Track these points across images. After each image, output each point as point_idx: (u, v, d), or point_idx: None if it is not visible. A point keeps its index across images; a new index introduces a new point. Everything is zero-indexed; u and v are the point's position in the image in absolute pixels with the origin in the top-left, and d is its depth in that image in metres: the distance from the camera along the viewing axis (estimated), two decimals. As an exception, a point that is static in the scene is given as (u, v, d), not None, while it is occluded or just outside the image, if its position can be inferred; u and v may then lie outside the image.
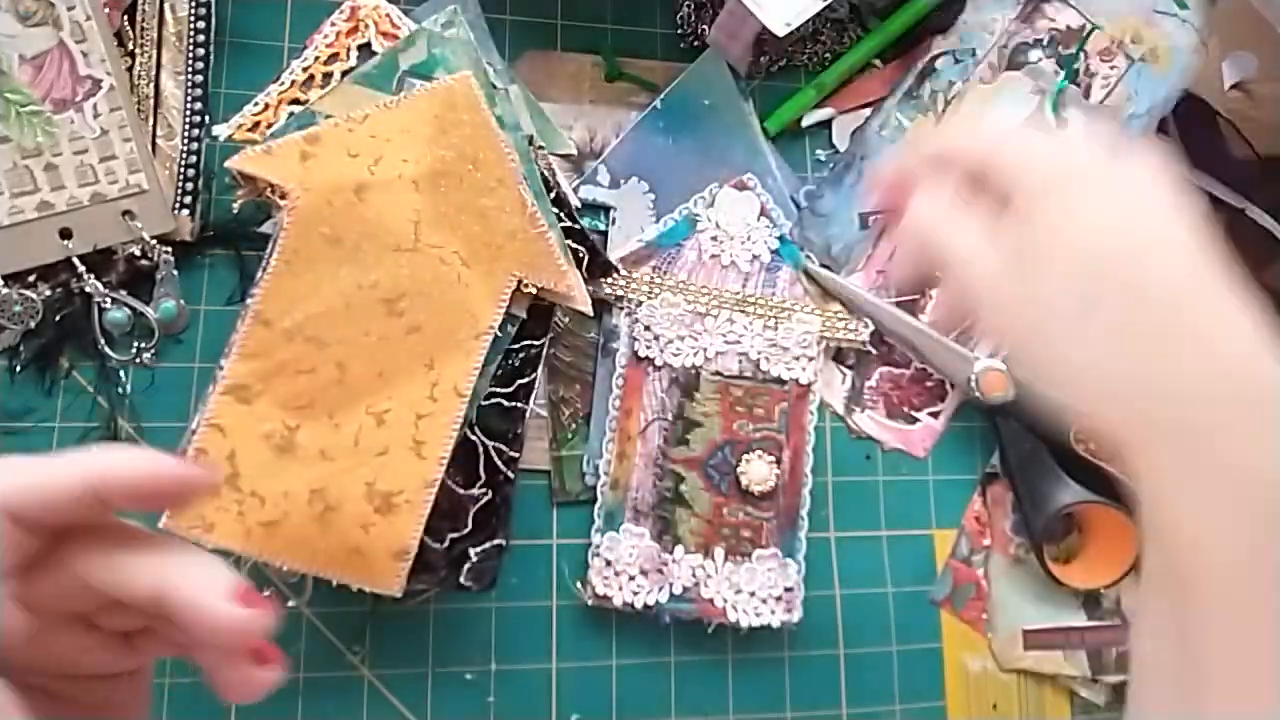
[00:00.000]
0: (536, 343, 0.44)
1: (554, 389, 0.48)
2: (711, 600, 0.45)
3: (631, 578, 0.45)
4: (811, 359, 0.48)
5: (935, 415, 0.52)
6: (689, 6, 0.54)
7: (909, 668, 0.49)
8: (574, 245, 0.44)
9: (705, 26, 0.53)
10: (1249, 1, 0.56)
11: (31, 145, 0.44)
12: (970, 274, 0.30)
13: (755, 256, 0.49)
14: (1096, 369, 0.27)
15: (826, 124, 0.55)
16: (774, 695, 0.48)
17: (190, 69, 0.47)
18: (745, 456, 0.46)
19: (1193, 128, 0.60)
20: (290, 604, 0.40)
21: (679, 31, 0.54)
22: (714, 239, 0.49)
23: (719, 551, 0.45)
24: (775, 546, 0.46)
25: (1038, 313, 0.28)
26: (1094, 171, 0.30)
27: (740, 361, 0.47)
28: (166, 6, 0.47)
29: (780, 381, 0.47)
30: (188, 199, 0.46)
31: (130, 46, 0.46)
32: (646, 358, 0.47)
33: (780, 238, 0.50)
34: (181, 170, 0.46)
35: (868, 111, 0.55)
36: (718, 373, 0.47)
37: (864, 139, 0.54)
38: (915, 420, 0.52)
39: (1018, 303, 0.29)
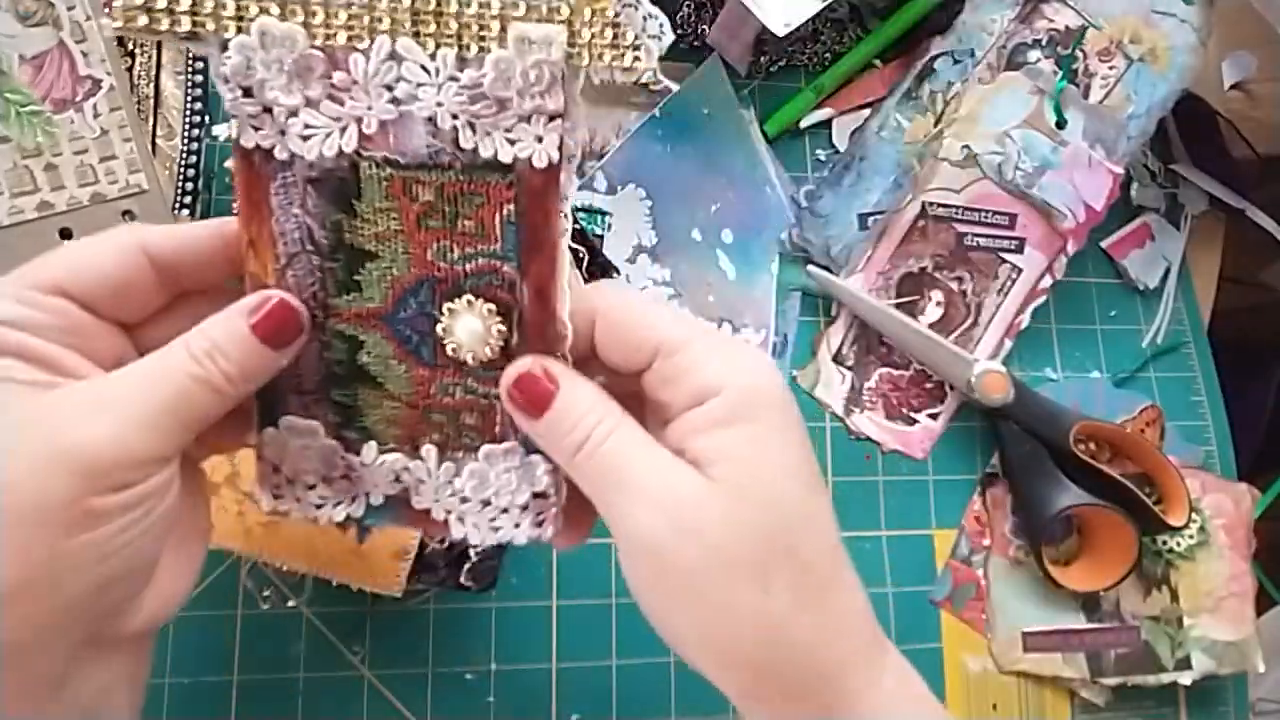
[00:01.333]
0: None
1: (553, 389, 0.48)
2: (428, 512, 0.30)
3: (310, 486, 0.30)
4: (554, 115, 0.26)
5: (934, 417, 0.52)
6: (689, 6, 0.54)
7: (908, 668, 0.49)
8: (574, 245, 0.44)
9: (705, 26, 0.53)
10: (1249, 1, 0.56)
11: (31, 145, 0.44)
12: (655, 495, 0.25)
13: None
14: (760, 626, 0.26)
15: (826, 124, 0.55)
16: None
17: (190, 69, 0.47)
18: (449, 306, 0.27)
19: (1193, 128, 0.60)
20: (290, 604, 0.40)
21: (679, 32, 0.54)
22: None
23: (429, 449, 0.29)
24: (514, 439, 0.30)
25: (717, 557, 0.25)
26: (783, 404, 0.27)
27: (426, 135, 0.26)
28: (166, 7, 0.47)
29: (499, 168, 0.26)
30: (188, 199, 0.46)
31: (130, 46, 0.46)
32: (261, 150, 0.26)
33: None
34: (181, 170, 0.46)
35: (867, 112, 0.55)
36: (389, 159, 0.26)
37: (863, 140, 0.54)
38: (914, 421, 0.52)
39: (705, 543, 0.25)
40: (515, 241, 0.27)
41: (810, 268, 0.52)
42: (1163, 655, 0.50)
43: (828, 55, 0.55)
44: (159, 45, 0.47)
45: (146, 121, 0.46)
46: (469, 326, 0.27)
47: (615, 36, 0.25)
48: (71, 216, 0.44)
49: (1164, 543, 0.51)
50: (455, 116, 0.25)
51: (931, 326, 0.51)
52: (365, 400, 0.29)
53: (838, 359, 0.52)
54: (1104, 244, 0.57)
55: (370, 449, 0.29)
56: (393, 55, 0.25)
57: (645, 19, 0.25)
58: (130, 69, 0.46)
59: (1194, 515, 0.50)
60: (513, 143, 0.26)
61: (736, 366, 0.26)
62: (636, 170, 0.51)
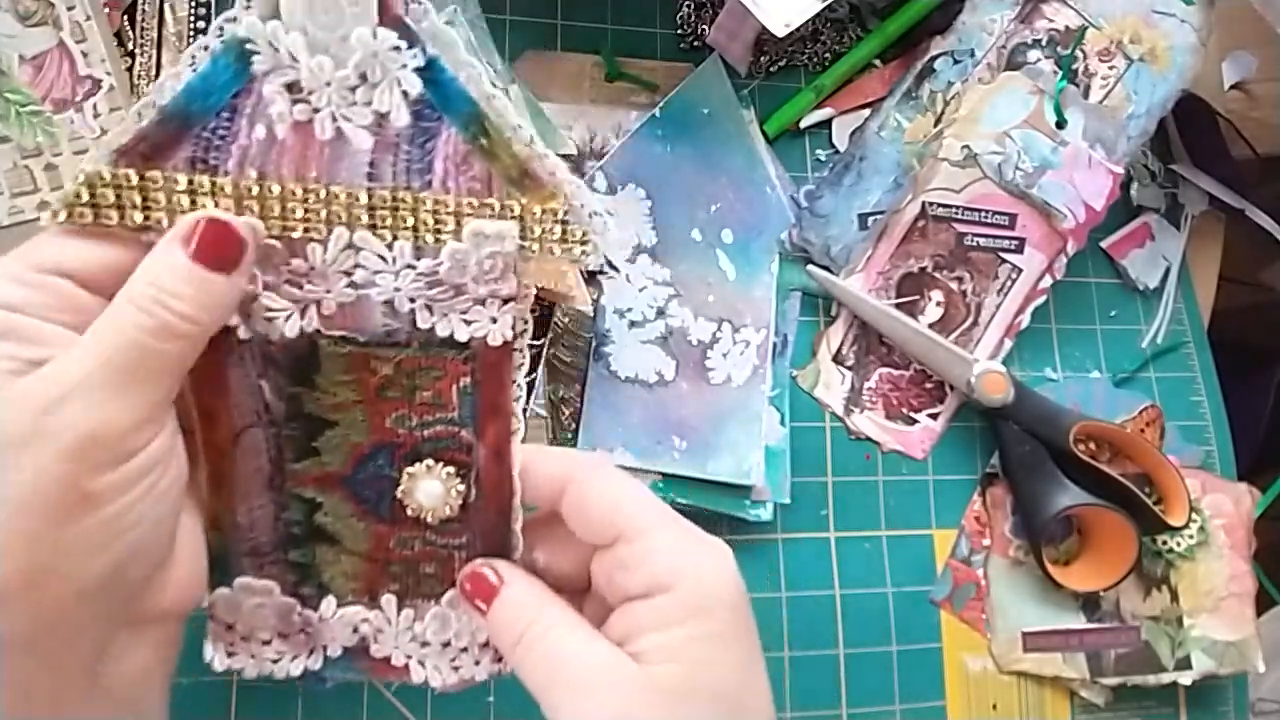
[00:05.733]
0: (536, 343, 0.44)
1: (553, 389, 0.48)
2: (388, 659, 0.31)
3: (265, 642, 0.31)
4: (508, 299, 0.28)
5: (934, 417, 0.52)
6: (689, 6, 0.54)
7: (909, 668, 0.49)
8: (573, 246, 0.44)
9: (705, 26, 0.53)
10: (1249, 1, 0.56)
11: (31, 145, 0.44)
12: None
13: (382, 116, 0.26)
14: None
15: (826, 124, 0.55)
16: (774, 695, 0.48)
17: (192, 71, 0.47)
18: (409, 470, 0.29)
19: (1193, 128, 0.60)
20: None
21: (679, 31, 0.54)
22: (294, 91, 0.25)
23: (389, 599, 0.30)
24: None
25: None
26: (735, 604, 0.27)
27: (384, 316, 0.27)
28: (166, 6, 0.47)
29: (455, 345, 0.28)
30: (188, 199, 0.46)
31: (130, 46, 0.46)
32: (225, 328, 0.27)
33: (428, 63, 0.25)
34: (181, 170, 0.46)
35: (867, 112, 0.55)
36: (346, 337, 0.27)
37: (863, 140, 0.54)
38: (914, 421, 0.52)
39: None
40: (472, 408, 0.29)
41: (810, 268, 0.52)
42: (1163, 655, 0.50)
43: (828, 55, 0.55)
44: (159, 47, 0.47)
45: (146, 121, 0.46)
46: (429, 489, 0.29)
47: (564, 232, 0.27)
48: (71, 216, 0.44)
49: (1164, 543, 0.51)
50: (413, 300, 0.27)
51: (931, 326, 0.51)
52: (323, 558, 0.30)
53: (838, 359, 0.52)
54: (1104, 244, 0.57)
55: (329, 603, 0.30)
56: (350, 245, 0.26)
57: (591, 215, 0.27)
58: (130, 69, 0.46)
59: (1194, 515, 0.50)
60: (468, 323, 0.27)
61: (693, 562, 0.27)
62: (636, 170, 0.51)
